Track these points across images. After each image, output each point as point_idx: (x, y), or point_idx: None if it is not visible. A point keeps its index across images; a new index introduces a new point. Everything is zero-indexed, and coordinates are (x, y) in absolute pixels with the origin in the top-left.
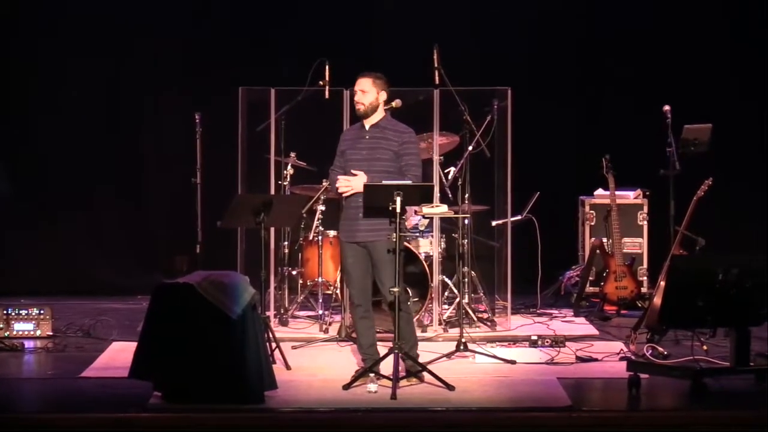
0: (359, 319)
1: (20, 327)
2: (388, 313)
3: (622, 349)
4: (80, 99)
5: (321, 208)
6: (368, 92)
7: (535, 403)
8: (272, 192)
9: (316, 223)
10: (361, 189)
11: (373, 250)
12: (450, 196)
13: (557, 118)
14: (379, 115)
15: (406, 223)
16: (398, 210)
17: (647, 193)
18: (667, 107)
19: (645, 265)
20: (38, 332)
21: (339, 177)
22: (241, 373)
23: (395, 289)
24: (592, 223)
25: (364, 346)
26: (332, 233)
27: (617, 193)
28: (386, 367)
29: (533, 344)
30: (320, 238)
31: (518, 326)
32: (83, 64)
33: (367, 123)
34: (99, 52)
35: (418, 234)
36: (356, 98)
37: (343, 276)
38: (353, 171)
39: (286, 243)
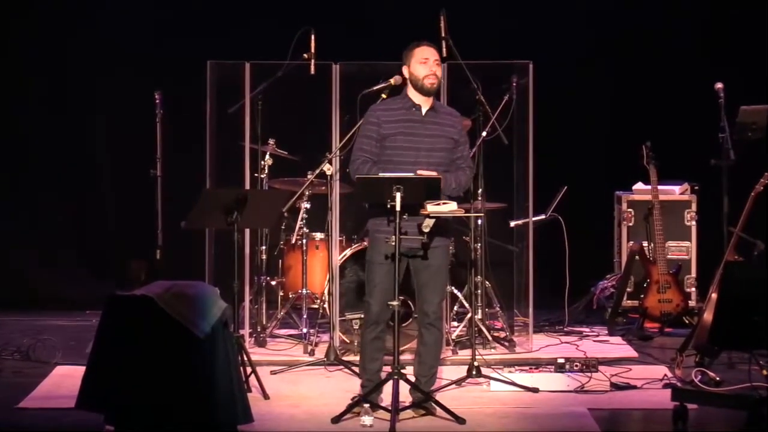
0: (371, 340)
1: None
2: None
3: (665, 375)
4: (20, 76)
5: (305, 205)
6: (440, 65)
7: None
8: (247, 186)
9: (299, 223)
10: None
11: (423, 259)
12: None
13: (588, 98)
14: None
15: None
16: (398, 208)
17: (696, 187)
18: (719, 85)
19: (693, 274)
20: None
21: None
22: (210, 402)
23: (394, 303)
24: (631, 224)
25: (369, 372)
26: (319, 236)
27: (660, 187)
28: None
29: (560, 369)
30: (304, 241)
31: (542, 347)
32: (24, 36)
33: (425, 104)
34: (42, 22)
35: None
36: (432, 71)
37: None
38: (399, 162)
39: (263, 247)
